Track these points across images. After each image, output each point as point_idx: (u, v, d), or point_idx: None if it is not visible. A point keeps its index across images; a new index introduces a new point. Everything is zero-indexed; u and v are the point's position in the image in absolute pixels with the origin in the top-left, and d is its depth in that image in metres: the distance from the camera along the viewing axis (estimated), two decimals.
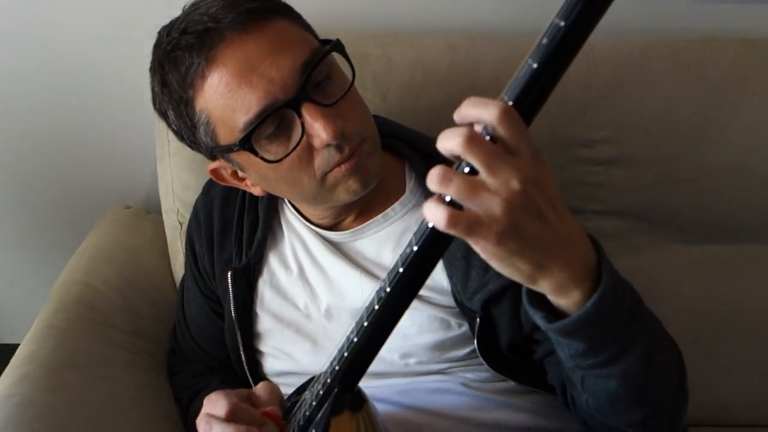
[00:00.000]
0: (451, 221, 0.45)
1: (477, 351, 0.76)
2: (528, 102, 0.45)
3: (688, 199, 1.06)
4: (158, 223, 1.15)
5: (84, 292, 1.00)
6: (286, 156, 0.72)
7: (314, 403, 0.66)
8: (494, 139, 0.46)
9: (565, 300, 0.54)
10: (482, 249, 0.48)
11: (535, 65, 0.44)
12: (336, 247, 0.85)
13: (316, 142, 0.71)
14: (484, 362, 0.77)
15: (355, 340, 0.60)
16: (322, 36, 0.77)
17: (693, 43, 1.05)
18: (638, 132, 1.04)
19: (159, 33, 0.75)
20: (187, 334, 0.97)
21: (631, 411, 0.66)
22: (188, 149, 0.80)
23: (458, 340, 0.80)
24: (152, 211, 1.21)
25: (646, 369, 0.61)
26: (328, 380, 0.64)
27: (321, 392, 0.65)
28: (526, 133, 0.46)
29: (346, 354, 0.61)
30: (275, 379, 0.89)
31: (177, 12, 0.75)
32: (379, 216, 0.83)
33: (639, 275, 1.05)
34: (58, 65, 1.19)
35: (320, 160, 0.73)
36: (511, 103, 0.45)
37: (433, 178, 0.46)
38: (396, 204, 0.83)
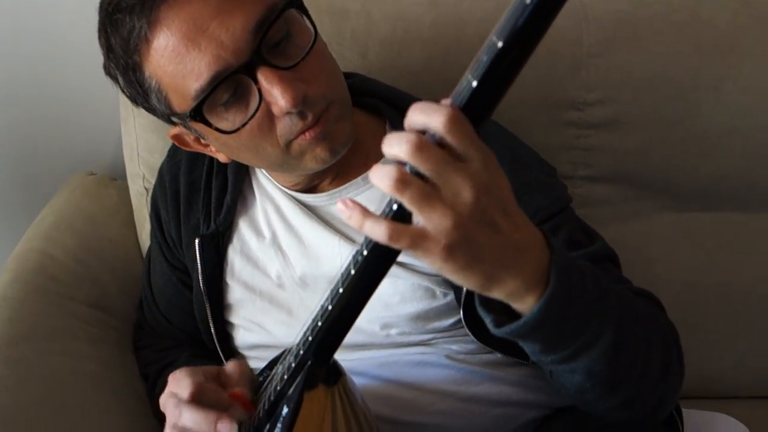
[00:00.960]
0: (393, 236, 0.43)
1: (463, 321, 0.72)
2: (522, 41, 0.42)
3: (681, 164, 1.02)
4: (124, 190, 1.10)
5: (43, 261, 0.95)
6: (243, 125, 0.67)
7: (286, 377, 0.61)
8: (442, 146, 0.44)
9: (520, 305, 0.53)
10: (430, 262, 0.45)
11: (528, 1, 0.40)
12: (312, 211, 0.80)
13: (275, 110, 0.66)
14: (469, 333, 0.73)
15: (330, 308, 0.55)
16: None
17: (689, 1, 1.00)
18: (630, 94, 0.99)
19: None
20: (154, 306, 0.92)
21: (603, 399, 0.63)
22: None
23: (443, 309, 0.76)
24: (118, 177, 1.15)
25: (614, 361, 0.58)
26: (301, 352, 0.59)
27: (293, 365, 0.60)
28: (475, 138, 0.44)
29: (320, 323, 0.57)
30: (247, 353, 0.85)
31: None
32: (359, 178, 0.78)
33: (630, 242, 1.04)
34: (13, 24, 1.12)
35: (282, 128, 0.68)
36: (501, 44, 0.41)
37: (389, 179, 0.43)
38: (376, 165, 0.78)
